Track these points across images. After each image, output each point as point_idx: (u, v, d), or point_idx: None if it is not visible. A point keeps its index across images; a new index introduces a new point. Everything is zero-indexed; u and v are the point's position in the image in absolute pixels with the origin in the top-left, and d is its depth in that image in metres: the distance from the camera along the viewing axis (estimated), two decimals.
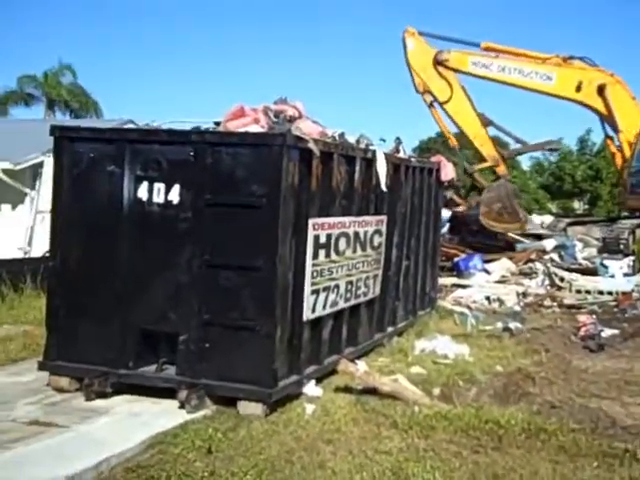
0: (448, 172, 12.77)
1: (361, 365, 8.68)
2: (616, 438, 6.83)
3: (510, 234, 20.94)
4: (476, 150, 20.74)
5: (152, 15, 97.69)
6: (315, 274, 7.84)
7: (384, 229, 9.76)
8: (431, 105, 20.11)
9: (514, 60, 20.63)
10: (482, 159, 20.57)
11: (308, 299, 7.72)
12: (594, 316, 13.49)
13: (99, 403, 7.34)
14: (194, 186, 7.32)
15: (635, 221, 21.05)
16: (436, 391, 8.22)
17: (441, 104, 19.90)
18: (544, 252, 19.28)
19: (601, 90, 20.80)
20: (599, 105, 21.10)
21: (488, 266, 17.79)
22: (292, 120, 8.24)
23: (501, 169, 20.30)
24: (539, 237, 22.09)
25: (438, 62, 19.67)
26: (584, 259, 19.05)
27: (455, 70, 20.05)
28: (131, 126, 9.47)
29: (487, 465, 6.14)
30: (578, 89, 20.79)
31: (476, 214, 20.41)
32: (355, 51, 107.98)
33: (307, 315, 7.75)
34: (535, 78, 20.57)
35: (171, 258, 7.39)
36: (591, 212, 40.16)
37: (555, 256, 19.26)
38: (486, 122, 20.35)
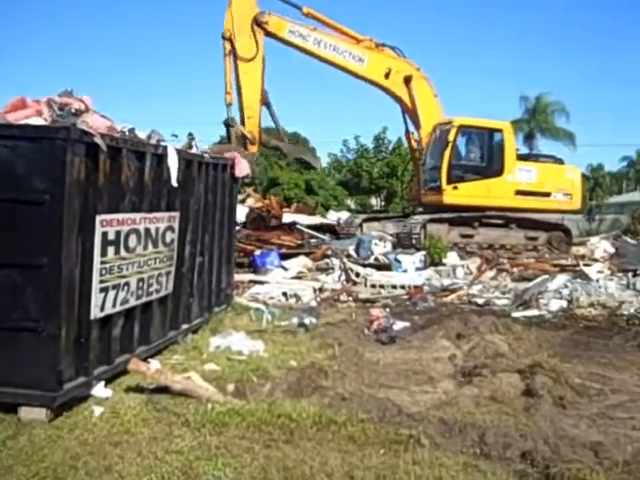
0: (243, 168, 12.74)
1: (154, 364, 8.53)
2: (402, 425, 7.05)
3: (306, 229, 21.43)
4: (241, 118, 20.48)
5: None
6: (104, 272, 7.59)
7: (177, 225, 9.60)
8: (228, 54, 19.94)
9: (330, 36, 21.14)
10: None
11: (96, 297, 7.46)
12: (387, 310, 13.91)
13: None
14: None
15: (427, 217, 22.04)
16: (230, 387, 8.17)
17: (237, 58, 19.86)
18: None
19: (407, 81, 21.76)
20: (404, 95, 22.07)
21: (285, 262, 18.00)
22: (78, 114, 7.91)
23: (253, 148, 20.26)
24: (335, 233, 22.70)
25: (257, 23, 19.76)
26: (379, 254, 19.70)
27: (272, 34, 20.18)
28: None
29: (278, 459, 6.18)
30: (387, 76, 21.66)
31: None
32: (149, 49, 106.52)
33: (95, 314, 7.48)
34: (348, 57, 21.19)
35: None
36: (387, 208, 41.63)
37: (351, 251, 19.79)
38: (265, 101, 20.49)
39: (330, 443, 6.62)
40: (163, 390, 7.65)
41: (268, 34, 20.33)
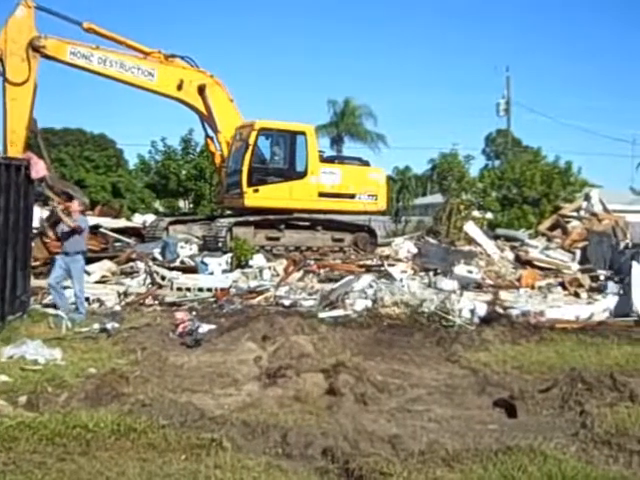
0: (39, 170, 12.24)
1: None
2: (204, 429, 6.99)
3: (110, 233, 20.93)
4: (4, 144, 18.98)
5: None
6: None
7: None
8: None
9: (116, 53, 20.49)
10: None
11: None
12: (193, 312, 13.79)
13: None
14: None
15: (233, 220, 21.89)
16: (22, 400, 7.76)
17: (5, 80, 18.75)
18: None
19: (201, 90, 21.51)
20: (199, 104, 21.83)
21: (88, 266, 17.38)
22: None
23: None
24: (141, 236, 22.22)
25: (33, 47, 18.78)
26: (186, 257, 19.41)
27: (52, 58, 19.30)
28: None
29: (72, 472, 5.93)
30: (179, 88, 21.34)
31: None
32: None
33: None
34: (137, 73, 20.64)
35: None
36: (196, 211, 41.16)
37: (157, 254, 19.40)
38: (34, 130, 19.68)
39: (129, 452, 6.44)
40: None
41: (48, 57, 19.36)
